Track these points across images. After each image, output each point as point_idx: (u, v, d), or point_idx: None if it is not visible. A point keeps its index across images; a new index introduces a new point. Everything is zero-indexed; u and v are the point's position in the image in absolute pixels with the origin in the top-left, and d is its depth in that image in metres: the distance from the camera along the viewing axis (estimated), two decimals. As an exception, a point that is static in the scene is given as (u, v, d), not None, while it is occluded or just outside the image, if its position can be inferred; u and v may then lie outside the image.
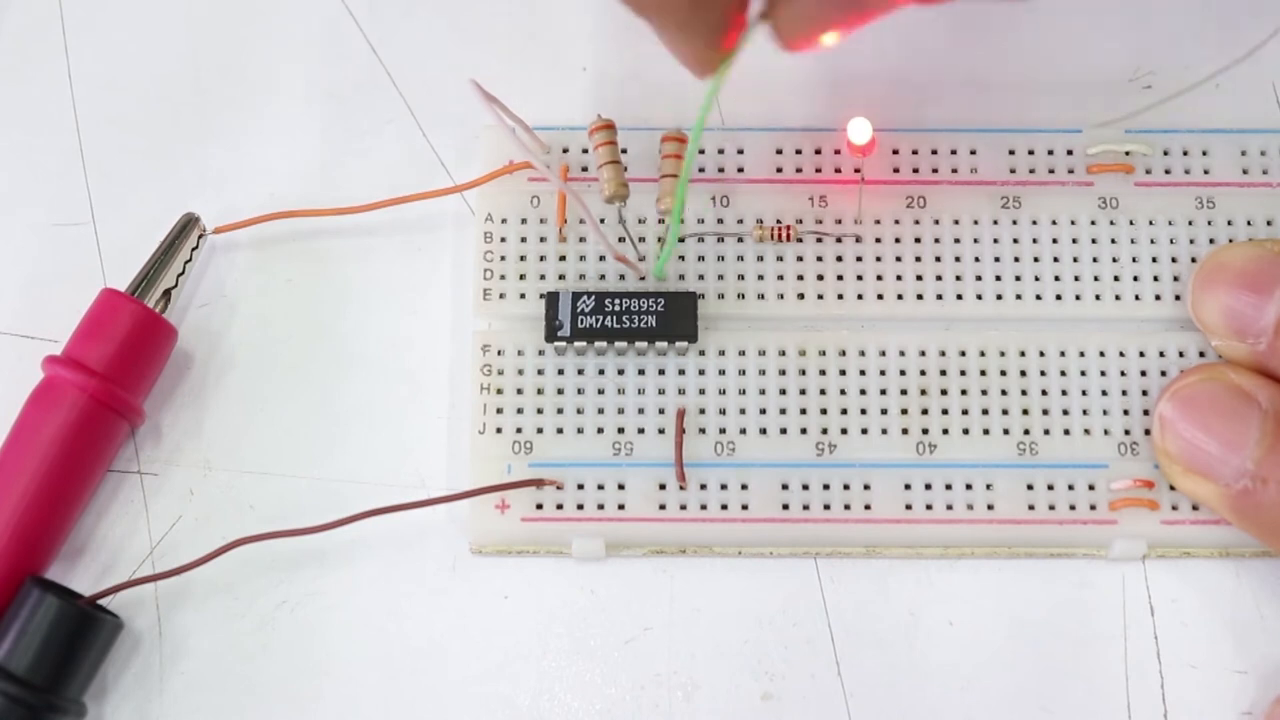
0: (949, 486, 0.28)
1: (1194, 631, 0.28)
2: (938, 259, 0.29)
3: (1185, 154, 0.30)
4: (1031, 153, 0.30)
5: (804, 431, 0.28)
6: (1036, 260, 0.29)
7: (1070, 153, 0.30)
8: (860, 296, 0.29)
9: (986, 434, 0.28)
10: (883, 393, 0.28)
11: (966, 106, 0.31)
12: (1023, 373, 0.29)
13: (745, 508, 0.28)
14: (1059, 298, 0.29)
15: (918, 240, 0.29)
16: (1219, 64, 0.31)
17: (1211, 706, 0.27)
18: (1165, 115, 0.31)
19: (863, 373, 0.29)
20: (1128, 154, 0.29)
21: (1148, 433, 0.28)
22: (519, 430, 0.28)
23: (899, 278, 0.29)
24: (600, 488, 0.28)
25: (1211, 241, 0.29)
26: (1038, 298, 0.29)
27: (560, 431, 0.28)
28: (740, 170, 0.30)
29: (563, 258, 0.29)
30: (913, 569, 0.28)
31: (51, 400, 0.28)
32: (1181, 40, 0.31)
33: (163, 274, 0.29)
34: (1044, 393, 0.28)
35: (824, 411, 0.28)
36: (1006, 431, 0.28)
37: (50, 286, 0.31)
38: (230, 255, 0.31)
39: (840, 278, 0.29)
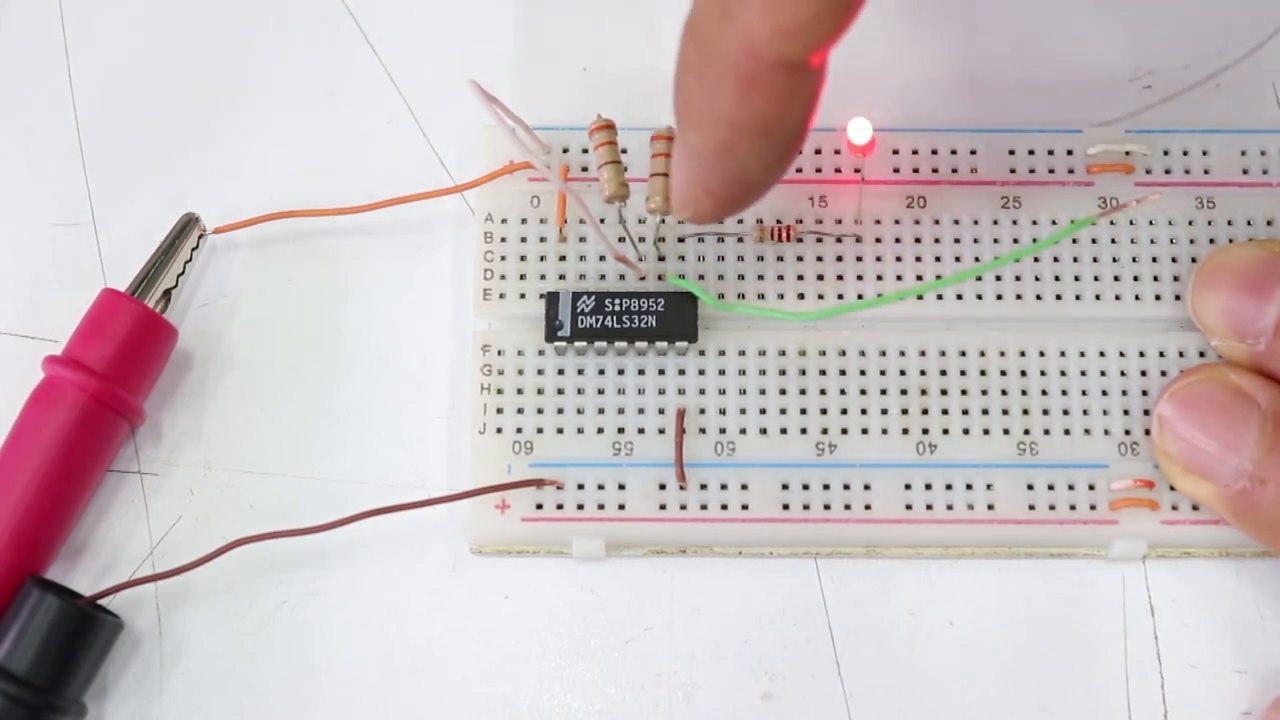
0: (949, 486, 0.28)
1: (1194, 631, 0.28)
2: (938, 259, 0.29)
3: (1185, 154, 0.30)
4: (1031, 153, 0.30)
5: (804, 431, 0.28)
6: (1036, 260, 0.29)
7: (1070, 153, 0.30)
8: (860, 296, 0.29)
9: (986, 434, 0.28)
10: (883, 393, 0.28)
11: (966, 106, 0.31)
12: (1023, 373, 0.29)
13: (745, 508, 0.28)
14: (1059, 298, 0.29)
15: (918, 240, 0.29)
16: (1219, 64, 0.31)
17: (1211, 706, 0.27)
18: (1165, 115, 0.31)
19: (863, 373, 0.29)
20: (1128, 154, 0.29)
21: (1148, 433, 0.28)
22: (519, 430, 0.28)
23: (899, 278, 0.29)
24: (600, 488, 0.28)
25: (1211, 241, 0.29)
26: (1038, 298, 0.29)
27: (560, 431, 0.28)
28: (740, 170, 0.30)
29: (563, 258, 0.29)
30: (913, 569, 0.28)
31: (52, 400, 0.28)
32: (1181, 40, 0.31)
33: (163, 274, 0.29)
34: (1044, 393, 0.28)
35: (824, 411, 0.28)
36: (1006, 431, 0.28)
37: (50, 286, 0.31)
38: (230, 255, 0.31)
39: (840, 278, 0.29)
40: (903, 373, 0.29)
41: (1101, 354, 0.29)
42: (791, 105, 0.22)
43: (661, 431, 0.28)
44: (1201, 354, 0.28)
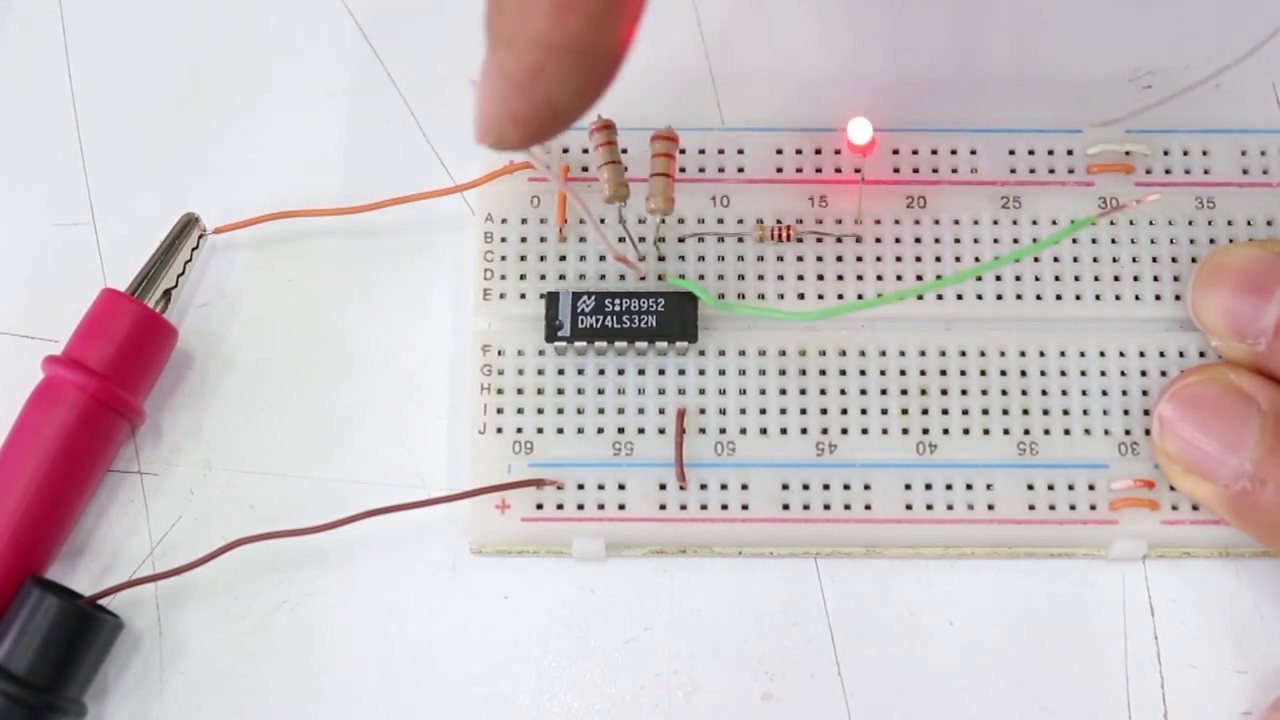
0: (949, 486, 0.28)
1: (1194, 631, 0.28)
2: (938, 259, 0.29)
3: (1185, 154, 0.30)
4: (1031, 153, 0.30)
5: (804, 431, 0.28)
6: (1036, 260, 0.29)
7: (1070, 153, 0.30)
8: (860, 296, 0.29)
9: (986, 434, 0.28)
10: (883, 393, 0.28)
11: (966, 106, 0.31)
12: (1023, 373, 0.29)
13: (745, 508, 0.28)
14: (1059, 298, 0.29)
15: (918, 240, 0.29)
16: (1219, 64, 0.31)
17: (1211, 706, 0.27)
18: (1165, 115, 0.31)
19: (863, 373, 0.29)
20: (1128, 154, 0.29)
21: (1148, 433, 0.28)
22: (519, 430, 0.28)
23: (899, 278, 0.29)
24: (600, 488, 0.28)
25: (1211, 241, 0.29)
26: (1038, 298, 0.29)
27: (560, 431, 0.28)
28: (740, 170, 0.30)
29: (563, 258, 0.29)
30: (913, 569, 0.28)
31: (51, 400, 0.28)
32: (1181, 40, 0.31)
33: (163, 274, 0.29)
34: (1044, 393, 0.28)
35: (824, 411, 0.28)
36: (1006, 431, 0.28)
37: (50, 286, 0.31)
38: (230, 255, 0.31)
39: (840, 278, 0.29)
40: (903, 373, 0.29)
41: (1101, 354, 0.29)
42: (606, 28, 0.21)
43: (661, 431, 0.28)
44: (1201, 354, 0.28)
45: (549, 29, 0.21)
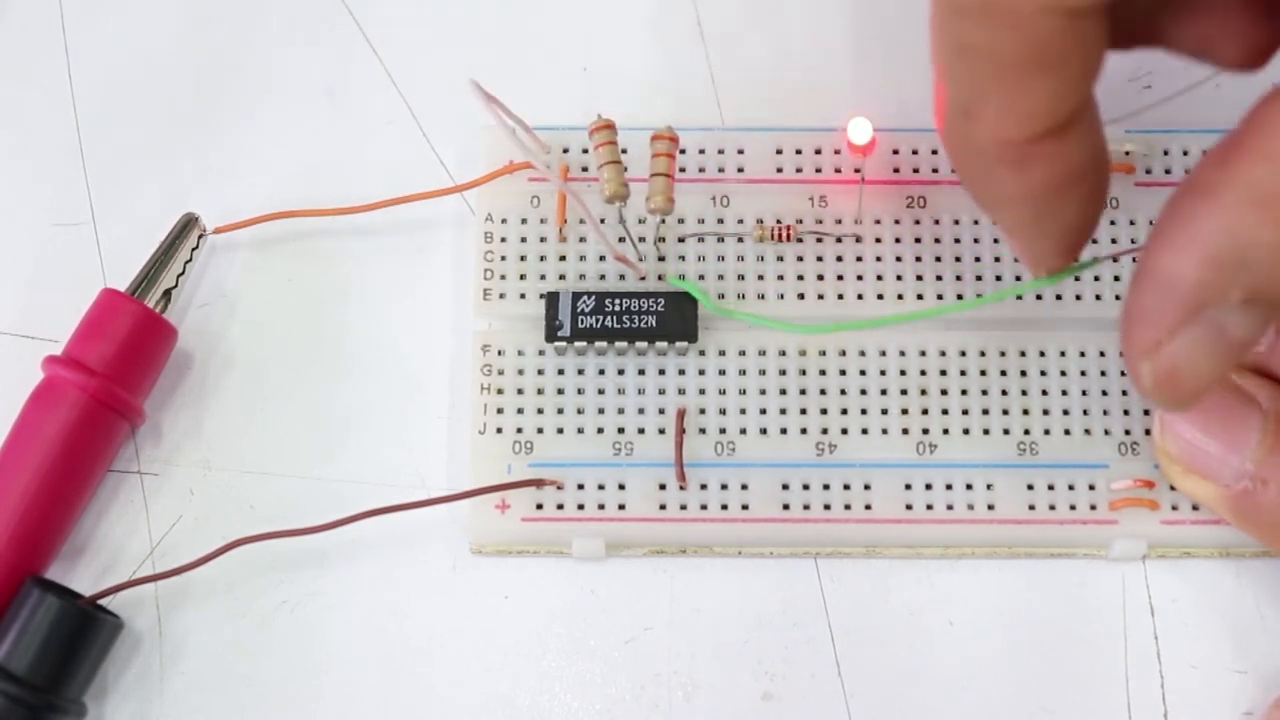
0: (949, 486, 0.28)
1: (1194, 631, 0.28)
2: (938, 259, 0.29)
3: (1185, 154, 0.30)
4: (1032, 153, 0.30)
5: (804, 431, 0.28)
6: (1036, 260, 0.29)
7: (1070, 153, 0.30)
8: (860, 296, 0.29)
9: (986, 434, 0.28)
10: (883, 393, 0.28)
11: (967, 106, 0.31)
12: (1023, 373, 0.29)
13: (745, 508, 0.28)
14: (1059, 298, 0.29)
15: (918, 240, 0.29)
16: (1219, 64, 0.31)
17: (1211, 706, 0.27)
18: (1165, 115, 0.31)
19: (863, 373, 0.29)
20: (1128, 154, 0.29)
21: (1148, 433, 0.28)
22: (519, 430, 0.28)
23: (899, 278, 0.29)
24: (600, 488, 0.28)
25: (1211, 241, 0.29)
26: (1038, 298, 0.29)
27: (560, 431, 0.28)
28: (740, 170, 0.30)
29: (563, 258, 0.29)
30: (913, 569, 0.28)
31: (52, 400, 0.28)
32: (1182, 40, 0.31)
33: (163, 274, 0.29)
34: (1044, 393, 0.28)
35: (824, 411, 0.28)
36: (1006, 431, 0.28)
37: (50, 286, 0.31)
38: (230, 255, 0.31)
39: (840, 278, 0.29)
40: (903, 373, 0.29)
41: (1101, 354, 0.29)
42: (1077, 155, 0.22)
43: (661, 431, 0.28)
44: (1201, 354, 0.28)
45: (1023, 188, 0.22)
